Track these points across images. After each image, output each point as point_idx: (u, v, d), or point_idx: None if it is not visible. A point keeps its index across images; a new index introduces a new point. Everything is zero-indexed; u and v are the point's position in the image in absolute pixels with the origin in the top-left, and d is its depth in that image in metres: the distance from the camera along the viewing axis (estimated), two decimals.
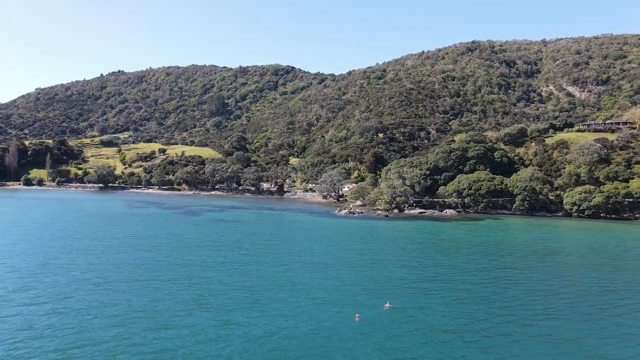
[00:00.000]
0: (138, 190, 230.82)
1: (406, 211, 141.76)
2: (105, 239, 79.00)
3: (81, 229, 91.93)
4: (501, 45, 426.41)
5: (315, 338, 35.52)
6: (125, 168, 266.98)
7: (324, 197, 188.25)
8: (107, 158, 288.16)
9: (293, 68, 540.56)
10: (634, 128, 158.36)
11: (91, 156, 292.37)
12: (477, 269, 63.08)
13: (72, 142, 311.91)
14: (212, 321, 38.50)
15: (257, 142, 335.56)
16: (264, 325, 37.94)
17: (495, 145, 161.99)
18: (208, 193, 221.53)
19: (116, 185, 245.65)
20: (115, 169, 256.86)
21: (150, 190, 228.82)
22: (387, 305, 43.35)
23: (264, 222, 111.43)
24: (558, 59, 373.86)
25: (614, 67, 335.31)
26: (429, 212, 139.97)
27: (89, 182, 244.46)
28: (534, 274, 61.08)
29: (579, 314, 44.40)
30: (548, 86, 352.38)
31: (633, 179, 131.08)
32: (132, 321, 37.86)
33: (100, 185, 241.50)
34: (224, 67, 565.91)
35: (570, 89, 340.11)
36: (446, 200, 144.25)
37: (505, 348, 35.22)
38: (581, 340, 37.57)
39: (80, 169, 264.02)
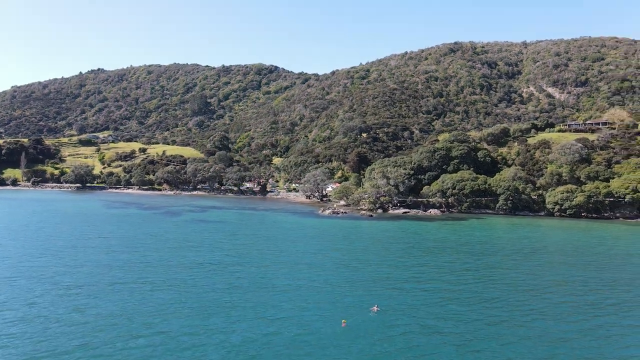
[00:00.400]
0: (117, 191, 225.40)
1: (390, 211, 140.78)
2: (79, 240, 75.72)
3: (55, 230, 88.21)
4: (483, 47, 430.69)
5: (298, 345, 33.55)
6: (104, 168, 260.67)
7: (308, 197, 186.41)
8: (85, 157, 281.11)
9: (276, 68, 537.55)
10: (614, 128, 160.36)
11: (69, 155, 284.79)
12: (463, 269, 62.05)
13: (48, 141, 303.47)
14: (187, 328, 36.21)
15: (239, 141, 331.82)
16: (242, 331, 35.81)
17: (479, 145, 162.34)
18: (189, 193, 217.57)
19: (94, 185, 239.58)
20: (93, 169, 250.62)
21: (129, 191, 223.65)
22: (374, 308, 41.64)
23: (246, 223, 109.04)
24: (538, 61, 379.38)
25: (592, 69, 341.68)
26: (413, 212, 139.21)
27: (66, 182, 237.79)
28: (520, 273, 60.27)
29: (567, 313, 43.55)
30: (529, 87, 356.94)
31: (613, 178, 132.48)
32: (101, 329, 35.39)
33: (78, 185, 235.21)
34: (207, 66, 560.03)
35: (550, 90, 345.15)
36: (430, 200, 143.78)
37: (497, 351, 33.88)
38: (572, 340, 36.57)
39: (57, 168, 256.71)
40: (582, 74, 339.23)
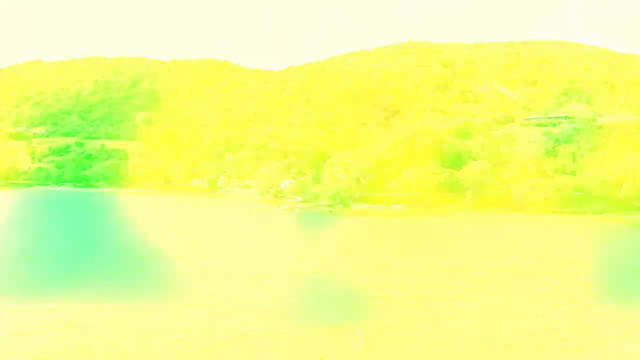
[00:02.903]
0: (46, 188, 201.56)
1: (351, 207, 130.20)
2: None
3: None
4: (437, 46, 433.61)
5: None
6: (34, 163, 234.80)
7: (261, 193, 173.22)
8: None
9: (230, 63, 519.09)
10: (574, 122, 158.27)
11: None
12: (440, 270, 51.97)
13: None
14: None
15: (189, 137, 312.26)
16: None
17: (443, 137, 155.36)
18: (129, 190, 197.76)
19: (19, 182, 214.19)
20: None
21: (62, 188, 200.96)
22: (359, 332, 29.18)
23: (189, 221, 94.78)
24: (490, 61, 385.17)
25: (541, 71, 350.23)
26: (376, 207, 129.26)
27: None
28: (504, 273, 51.03)
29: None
30: (482, 87, 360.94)
31: (580, 171, 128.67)
32: None
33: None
34: (156, 59, 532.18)
35: (502, 90, 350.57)
36: (394, 194, 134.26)
37: None
38: None
39: None
40: (532, 75, 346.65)
